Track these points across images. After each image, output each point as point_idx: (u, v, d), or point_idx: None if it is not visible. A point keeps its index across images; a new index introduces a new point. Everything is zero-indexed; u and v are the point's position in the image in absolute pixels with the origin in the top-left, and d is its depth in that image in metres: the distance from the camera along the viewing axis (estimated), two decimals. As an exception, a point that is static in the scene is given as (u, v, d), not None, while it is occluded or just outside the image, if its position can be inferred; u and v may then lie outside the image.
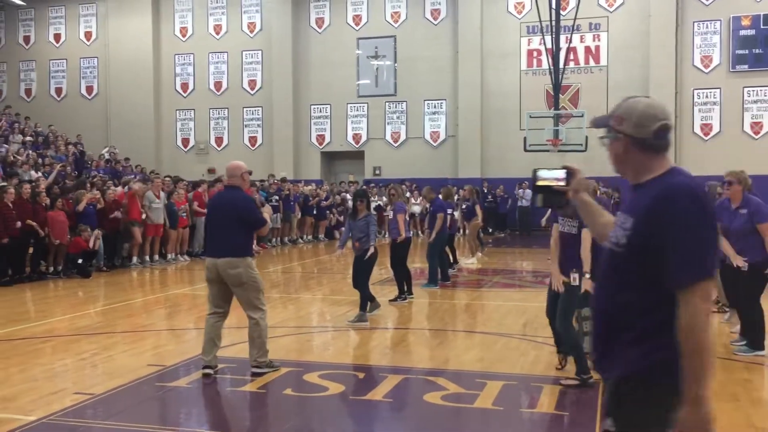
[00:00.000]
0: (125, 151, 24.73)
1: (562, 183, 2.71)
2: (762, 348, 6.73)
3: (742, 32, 23.02)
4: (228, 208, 6.14)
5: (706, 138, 23.44)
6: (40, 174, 16.33)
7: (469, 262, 14.72)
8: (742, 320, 7.08)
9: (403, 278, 10.01)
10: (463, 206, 15.62)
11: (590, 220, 2.75)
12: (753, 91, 23.01)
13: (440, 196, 12.13)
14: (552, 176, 2.74)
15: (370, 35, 26.14)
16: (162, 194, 15.12)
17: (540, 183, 2.78)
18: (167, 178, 17.29)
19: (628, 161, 2.42)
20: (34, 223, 12.13)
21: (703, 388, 2.13)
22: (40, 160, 18.48)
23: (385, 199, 20.08)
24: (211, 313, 6.12)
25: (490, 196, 23.58)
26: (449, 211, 12.22)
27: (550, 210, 10.56)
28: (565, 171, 2.71)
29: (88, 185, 14.41)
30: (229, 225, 6.05)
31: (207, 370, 6.00)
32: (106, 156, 22.74)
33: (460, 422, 5.07)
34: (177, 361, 6.60)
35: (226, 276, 5.97)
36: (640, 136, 2.36)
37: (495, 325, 8.41)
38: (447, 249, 12.64)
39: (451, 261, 13.15)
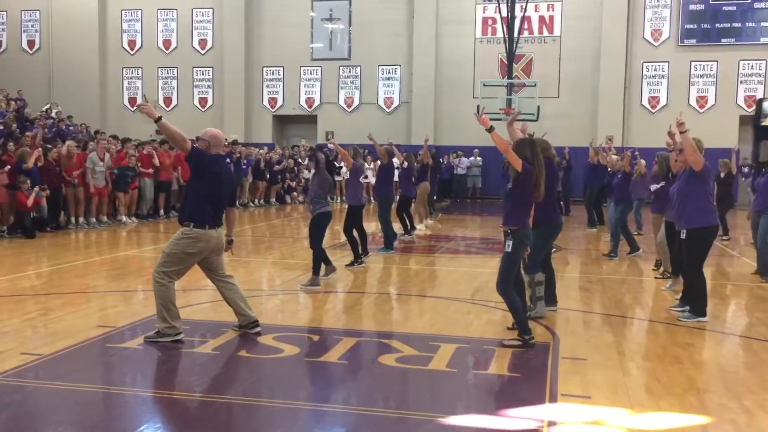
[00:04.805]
0: (69, 108, 23.94)
1: None
2: (704, 314, 6.93)
3: (692, 7, 23.44)
4: (229, 177, 6.18)
5: (654, 111, 23.93)
6: (-21, 130, 15.70)
7: (418, 227, 14.70)
8: (686, 286, 7.29)
9: (356, 242, 9.99)
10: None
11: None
12: (699, 65, 23.54)
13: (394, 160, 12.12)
14: None
15: (324, -3, 25.72)
16: (106, 156, 14.73)
17: None
18: (109, 138, 16.64)
19: None
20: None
21: None
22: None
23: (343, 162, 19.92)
24: (224, 280, 6.08)
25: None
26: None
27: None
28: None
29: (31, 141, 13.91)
30: (230, 195, 6.09)
31: (257, 328, 6.08)
32: (53, 113, 21.97)
33: (414, 383, 5.13)
34: (126, 323, 6.49)
35: (221, 245, 5.95)
36: None
37: (447, 290, 8.50)
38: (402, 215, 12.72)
39: (409, 228, 13.20)
